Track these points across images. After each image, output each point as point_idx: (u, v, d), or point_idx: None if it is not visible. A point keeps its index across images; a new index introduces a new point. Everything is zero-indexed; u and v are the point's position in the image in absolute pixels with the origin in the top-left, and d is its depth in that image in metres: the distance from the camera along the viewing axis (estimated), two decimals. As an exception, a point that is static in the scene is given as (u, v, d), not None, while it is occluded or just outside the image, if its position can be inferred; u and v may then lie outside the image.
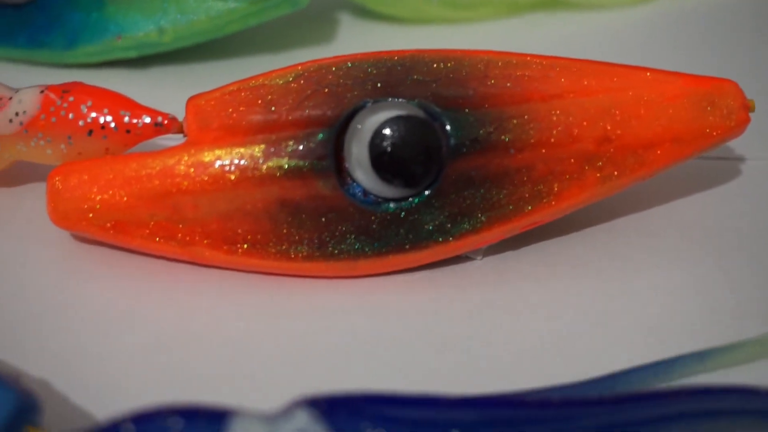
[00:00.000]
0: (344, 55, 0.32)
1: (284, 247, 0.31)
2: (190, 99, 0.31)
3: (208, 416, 0.23)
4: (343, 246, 0.30)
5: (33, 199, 0.33)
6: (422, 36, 0.42)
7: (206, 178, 0.30)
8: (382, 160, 0.30)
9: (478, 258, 0.32)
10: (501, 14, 0.43)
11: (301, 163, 0.30)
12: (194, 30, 0.38)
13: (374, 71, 0.31)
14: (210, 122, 0.31)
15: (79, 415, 0.28)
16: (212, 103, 0.31)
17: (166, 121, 0.31)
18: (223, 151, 0.30)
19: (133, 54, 0.38)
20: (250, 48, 0.42)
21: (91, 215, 0.30)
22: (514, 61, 0.31)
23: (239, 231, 0.30)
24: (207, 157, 0.30)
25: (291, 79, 0.31)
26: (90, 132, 0.31)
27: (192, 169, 0.30)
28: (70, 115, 0.31)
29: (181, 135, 0.32)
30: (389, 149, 0.30)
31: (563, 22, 0.43)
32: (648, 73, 0.31)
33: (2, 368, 0.26)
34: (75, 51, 0.38)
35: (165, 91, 0.40)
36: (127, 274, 0.31)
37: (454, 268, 0.32)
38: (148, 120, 0.31)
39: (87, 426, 0.24)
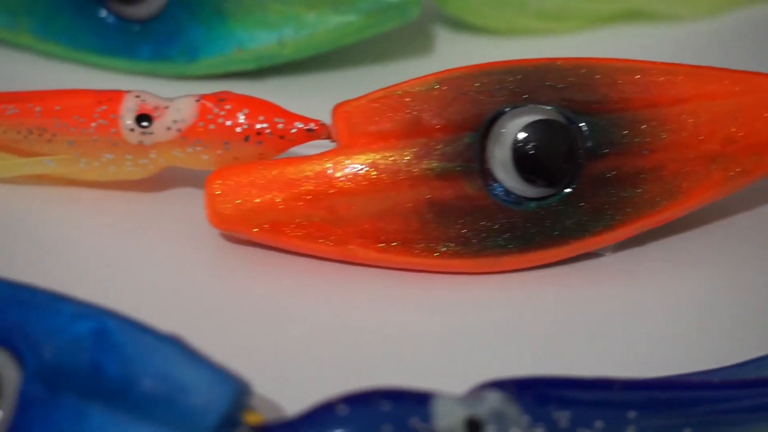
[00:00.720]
0: (480, 64, 0.34)
1: (432, 244, 0.32)
2: (337, 106, 0.33)
3: (413, 398, 0.24)
4: (487, 243, 0.32)
5: (179, 203, 0.35)
6: (513, 47, 0.44)
7: (361, 180, 0.32)
8: (525, 162, 0.32)
9: (607, 254, 0.34)
10: (586, 25, 0.45)
11: (450, 165, 0.32)
12: (312, 43, 0.40)
13: (509, 78, 0.33)
14: (360, 128, 0.32)
15: (265, 405, 0.29)
16: (360, 109, 0.33)
17: (317, 128, 0.33)
18: (377, 155, 0.32)
19: (251, 66, 0.40)
20: (352, 60, 0.43)
21: (248, 217, 0.32)
22: (640, 68, 0.33)
23: (390, 230, 0.32)
24: (361, 160, 0.32)
25: (432, 86, 0.33)
26: (247, 138, 0.33)
27: (347, 172, 0.32)
28: (228, 122, 0.33)
29: (327, 141, 0.34)
30: (532, 151, 0.32)
31: (645, 33, 0.45)
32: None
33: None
34: (197, 63, 0.40)
35: (281, 101, 0.42)
36: (282, 272, 0.33)
37: (586, 264, 0.34)
38: (300, 126, 0.33)
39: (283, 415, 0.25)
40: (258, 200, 0.32)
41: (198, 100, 0.33)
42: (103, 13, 0.39)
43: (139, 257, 0.33)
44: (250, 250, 0.34)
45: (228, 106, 0.32)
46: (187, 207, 0.35)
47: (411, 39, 0.45)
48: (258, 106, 0.33)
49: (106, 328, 0.25)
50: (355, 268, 0.33)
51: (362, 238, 0.32)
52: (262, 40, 0.40)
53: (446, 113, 0.33)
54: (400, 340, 0.31)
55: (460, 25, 0.44)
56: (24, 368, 0.24)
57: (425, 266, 0.33)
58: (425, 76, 0.33)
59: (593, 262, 0.34)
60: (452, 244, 0.32)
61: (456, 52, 0.45)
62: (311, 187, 0.32)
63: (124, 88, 0.42)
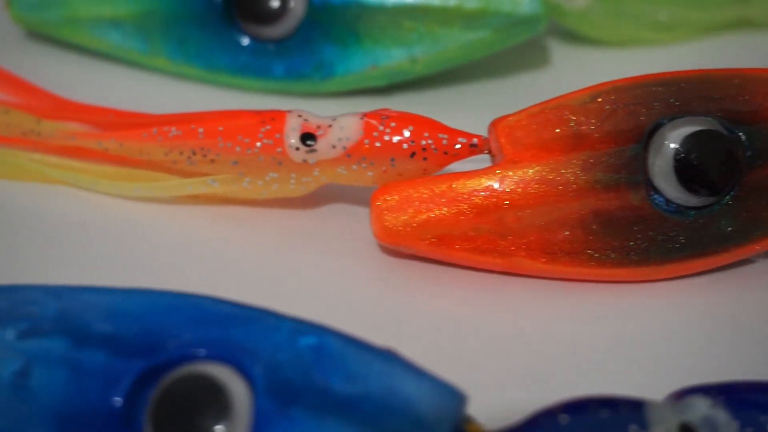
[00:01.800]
0: (633, 77, 0.34)
1: (596, 254, 0.33)
2: (497, 122, 0.34)
3: (627, 405, 0.25)
4: (649, 252, 0.33)
5: (335, 218, 0.36)
6: (626, 59, 0.45)
7: (528, 193, 0.33)
8: (687, 172, 0.33)
9: (758, 260, 0.35)
10: (698, 35, 0.45)
11: (615, 176, 0.33)
12: (444, 59, 0.40)
13: (664, 90, 0.34)
14: (523, 141, 0.33)
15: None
16: (522, 123, 0.33)
17: (479, 143, 0.34)
18: (543, 168, 0.33)
19: (383, 82, 0.41)
20: (470, 74, 0.44)
21: (416, 231, 0.33)
22: (790, 78, 0.34)
23: (556, 241, 0.33)
24: (528, 173, 0.33)
25: (588, 99, 0.34)
26: (413, 154, 0.33)
27: (515, 185, 0.33)
28: (394, 139, 0.33)
29: (487, 155, 0.35)
30: (695, 162, 0.33)
31: (755, 41, 0.46)
32: None
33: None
34: (331, 81, 0.40)
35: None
36: (448, 285, 0.34)
37: (737, 271, 0.35)
38: (464, 142, 0.34)
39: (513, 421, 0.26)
40: (426, 215, 0.33)
41: (362, 118, 0.34)
42: (238, 34, 0.40)
43: (304, 273, 0.34)
44: (411, 263, 0.34)
45: (393, 124, 0.33)
46: (343, 222, 0.36)
47: (526, 52, 0.46)
48: (421, 123, 0.33)
49: (326, 343, 0.25)
50: (517, 279, 0.34)
51: (529, 250, 0.33)
52: (395, 57, 0.41)
53: (605, 126, 0.33)
54: (571, 349, 0.32)
55: (573, 37, 0.45)
56: (252, 384, 0.25)
57: (590, 276, 0.33)
58: (580, 90, 0.34)
59: (747, 268, 0.35)
60: (616, 254, 0.33)
61: (571, 65, 0.45)
62: (479, 201, 0.33)
63: (257, 106, 0.43)
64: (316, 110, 0.42)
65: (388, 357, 0.25)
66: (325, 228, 0.36)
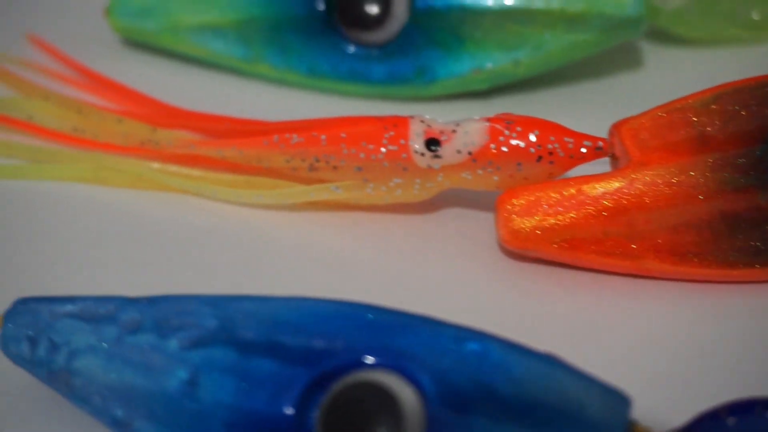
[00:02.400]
0: (751, 78, 0.35)
1: (724, 255, 0.33)
2: (619, 124, 0.34)
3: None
4: (776, 252, 0.33)
5: (452, 222, 0.36)
6: (718, 57, 0.45)
7: (658, 195, 0.33)
8: (815, 172, 0.33)
9: None
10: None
11: (743, 177, 0.33)
12: (546, 61, 0.40)
13: (783, 91, 0.34)
14: (650, 144, 0.33)
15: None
16: (646, 126, 0.34)
17: (604, 146, 0.34)
18: (671, 170, 0.33)
19: (485, 85, 0.41)
20: (562, 76, 0.44)
21: (544, 235, 0.33)
22: None
23: (684, 243, 0.33)
24: (657, 175, 0.33)
25: (710, 101, 0.34)
26: (539, 159, 0.33)
27: (645, 188, 0.33)
28: (521, 144, 0.33)
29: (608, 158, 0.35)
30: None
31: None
32: None
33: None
34: (434, 85, 0.40)
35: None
36: (575, 287, 0.34)
37: None
38: (589, 145, 0.34)
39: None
40: (555, 218, 0.33)
41: (486, 123, 0.34)
42: (341, 39, 0.40)
43: (427, 278, 0.34)
44: (534, 267, 0.35)
45: (519, 128, 0.33)
46: (462, 226, 0.36)
47: (617, 52, 0.46)
48: (546, 127, 0.33)
49: (490, 349, 0.25)
50: (643, 281, 0.34)
51: (657, 252, 0.33)
52: (498, 60, 0.41)
53: (729, 127, 0.34)
54: (705, 350, 0.32)
55: (664, 36, 0.44)
56: (422, 392, 0.25)
57: (718, 277, 0.33)
58: (700, 92, 0.34)
59: None
60: (743, 255, 0.33)
61: (663, 64, 0.45)
62: (610, 204, 0.33)
63: (359, 111, 0.43)
64: (414, 114, 0.43)
65: (551, 361, 0.25)
66: (444, 232, 0.36)
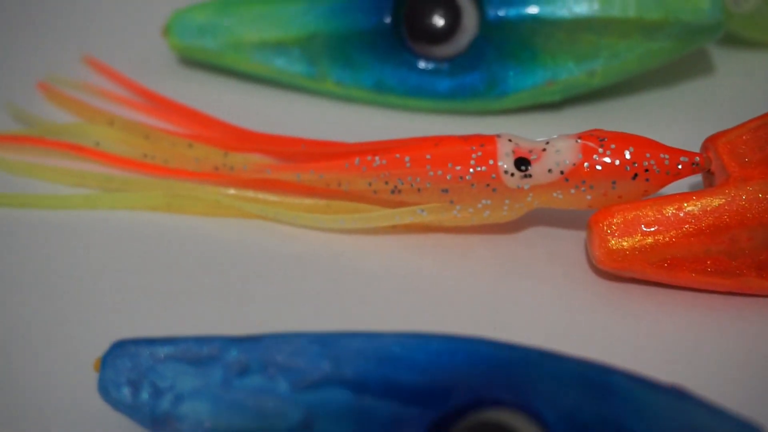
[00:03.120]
0: None
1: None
2: (714, 138, 0.33)
3: None
4: None
5: (541, 242, 0.35)
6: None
7: (762, 211, 0.32)
8: None
9: None
10: None
11: None
12: (622, 70, 0.39)
13: None
14: (749, 158, 0.32)
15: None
16: (743, 139, 0.33)
17: (701, 161, 0.33)
18: (774, 185, 0.32)
19: (558, 97, 0.39)
20: (630, 82, 0.43)
21: (642, 254, 0.32)
22: None
23: (786, 259, 0.32)
24: (760, 191, 0.32)
25: (808, 113, 0.33)
26: (635, 176, 0.32)
27: (746, 204, 0.32)
28: (616, 162, 0.32)
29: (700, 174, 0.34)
30: None
31: None
32: None
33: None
34: (505, 98, 0.39)
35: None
36: (672, 306, 0.33)
37: None
38: (686, 161, 0.33)
39: None
40: (654, 238, 0.32)
41: (578, 141, 0.33)
42: (408, 53, 0.39)
43: (521, 301, 0.33)
44: (629, 286, 0.33)
45: (613, 145, 0.32)
46: (550, 246, 0.34)
47: (686, 57, 0.45)
48: (640, 143, 0.32)
49: (615, 382, 0.24)
50: (743, 299, 0.33)
51: (759, 269, 0.32)
52: (572, 71, 0.39)
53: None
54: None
55: (734, 39, 0.43)
56: (548, 429, 0.24)
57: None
58: (797, 102, 0.34)
59: None
60: None
61: (735, 69, 0.44)
62: (711, 222, 0.32)
63: (427, 127, 0.42)
64: (485, 128, 0.42)
65: (679, 394, 0.24)
66: (533, 252, 0.35)
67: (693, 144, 0.36)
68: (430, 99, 0.40)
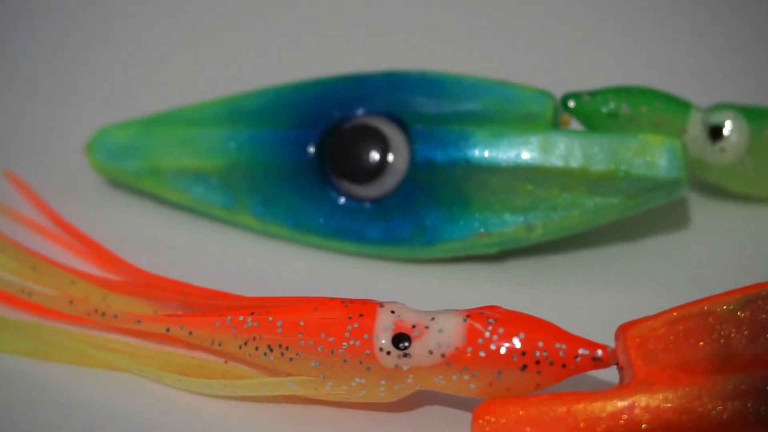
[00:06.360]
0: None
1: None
2: (626, 329, 0.28)
3: None
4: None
5: (431, 424, 0.31)
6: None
7: (664, 424, 0.27)
8: None
9: None
10: None
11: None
12: (565, 225, 0.35)
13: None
14: (659, 357, 0.28)
15: None
16: (656, 334, 0.28)
17: (603, 355, 0.28)
18: (683, 394, 0.27)
19: (494, 249, 0.35)
20: (596, 234, 0.39)
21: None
22: None
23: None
24: (665, 400, 0.27)
25: (740, 306, 0.28)
26: (524, 367, 0.28)
27: (647, 414, 0.27)
28: (502, 349, 0.28)
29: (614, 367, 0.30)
30: None
31: None
32: None
33: None
34: (433, 248, 0.35)
35: (524, 289, 0.38)
36: None
37: None
38: (585, 353, 0.28)
39: None
40: (537, 441, 0.29)
41: (465, 320, 0.28)
42: (332, 192, 0.35)
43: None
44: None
45: (501, 330, 0.28)
46: (443, 429, 0.31)
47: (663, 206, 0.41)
48: (534, 328, 0.28)
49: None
50: None
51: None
52: (508, 224, 0.35)
53: (760, 342, 0.28)
54: None
55: (715, 189, 0.38)
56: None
57: None
58: (730, 292, 0.28)
59: None
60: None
61: (715, 222, 0.39)
62: (603, 428, 0.28)
63: (350, 270, 0.39)
64: (413, 277, 0.38)
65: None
66: (418, 436, 0.31)
67: (649, 312, 0.32)
68: (353, 242, 0.36)
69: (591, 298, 0.36)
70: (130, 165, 0.38)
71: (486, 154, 0.34)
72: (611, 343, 0.30)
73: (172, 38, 0.46)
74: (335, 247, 0.36)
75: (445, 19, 0.46)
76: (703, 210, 0.39)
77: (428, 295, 0.36)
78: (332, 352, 0.29)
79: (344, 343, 0.29)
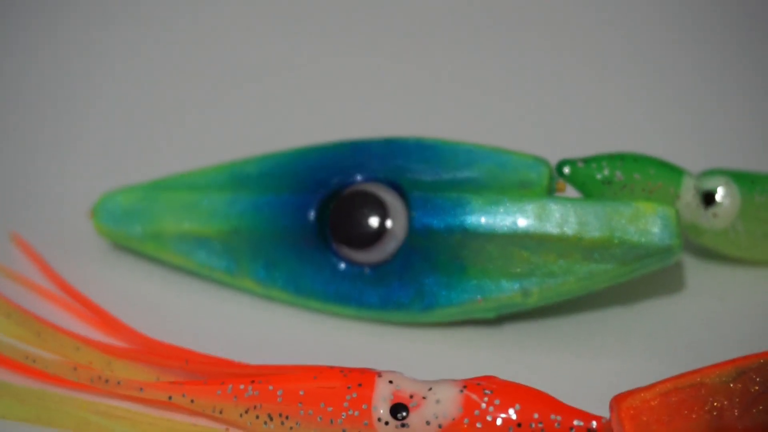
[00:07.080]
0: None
1: None
2: (619, 399, 0.29)
3: None
4: None
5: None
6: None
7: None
8: None
9: None
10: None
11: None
12: (560, 291, 0.35)
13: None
14: (652, 429, 0.28)
15: None
16: (649, 405, 0.28)
17: (597, 426, 0.29)
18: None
19: (491, 314, 0.36)
20: (591, 296, 0.40)
21: None
22: None
23: None
24: (658, 473, 0.28)
25: (732, 378, 0.29)
26: (519, 439, 0.30)
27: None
28: (498, 420, 0.28)
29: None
30: None
31: None
32: None
33: None
34: (432, 312, 0.36)
35: (523, 352, 0.39)
36: None
37: None
38: (580, 424, 0.29)
39: None
40: None
41: (462, 391, 0.29)
42: (332, 257, 0.36)
43: None
44: None
45: (497, 401, 0.28)
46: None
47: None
48: (530, 399, 0.29)
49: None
50: None
51: None
52: (504, 290, 0.36)
53: (751, 414, 0.29)
54: None
55: (709, 253, 0.39)
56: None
57: None
58: (722, 363, 0.29)
59: None
60: None
61: (709, 284, 0.40)
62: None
63: (350, 334, 0.39)
64: (412, 341, 0.38)
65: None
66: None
67: (645, 378, 0.33)
68: (353, 307, 0.36)
69: (587, 361, 0.37)
70: (133, 229, 0.38)
71: (482, 221, 0.35)
72: (606, 410, 0.31)
73: (174, 105, 0.47)
74: (335, 311, 0.37)
75: (442, 86, 0.47)
76: (697, 273, 0.40)
77: (427, 359, 0.37)
78: (331, 422, 0.30)
79: (343, 413, 0.30)
